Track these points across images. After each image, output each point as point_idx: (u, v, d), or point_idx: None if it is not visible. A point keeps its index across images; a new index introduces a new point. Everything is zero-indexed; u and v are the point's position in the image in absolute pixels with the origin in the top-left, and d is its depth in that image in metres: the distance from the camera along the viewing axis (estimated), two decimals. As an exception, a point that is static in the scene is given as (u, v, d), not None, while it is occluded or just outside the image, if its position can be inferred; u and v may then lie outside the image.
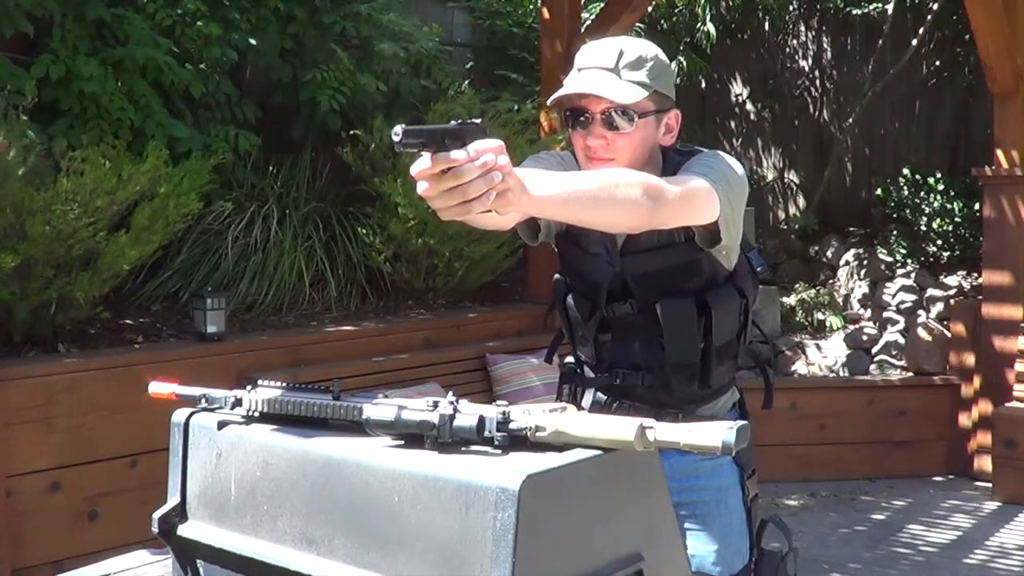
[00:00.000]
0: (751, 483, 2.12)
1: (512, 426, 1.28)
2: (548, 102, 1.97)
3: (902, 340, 6.04)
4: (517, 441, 1.28)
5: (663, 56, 1.98)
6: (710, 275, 2.01)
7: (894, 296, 6.33)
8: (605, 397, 2.12)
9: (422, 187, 1.36)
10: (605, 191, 1.63)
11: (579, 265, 2.09)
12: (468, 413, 1.30)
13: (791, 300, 6.47)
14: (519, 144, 5.23)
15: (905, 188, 6.72)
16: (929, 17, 6.91)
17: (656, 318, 2.01)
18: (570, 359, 2.22)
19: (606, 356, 2.10)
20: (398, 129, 1.28)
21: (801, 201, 7.62)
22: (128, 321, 4.47)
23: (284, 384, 1.45)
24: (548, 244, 2.12)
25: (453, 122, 1.36)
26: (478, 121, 1.39)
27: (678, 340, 2.02)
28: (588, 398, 2.14)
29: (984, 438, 5.44)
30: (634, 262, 2.01)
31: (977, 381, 5.57)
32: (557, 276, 2.19)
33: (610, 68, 1.91)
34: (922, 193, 6.62)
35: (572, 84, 1.94)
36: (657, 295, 2.01)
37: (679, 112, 2.02)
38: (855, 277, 6.66)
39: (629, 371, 2.07)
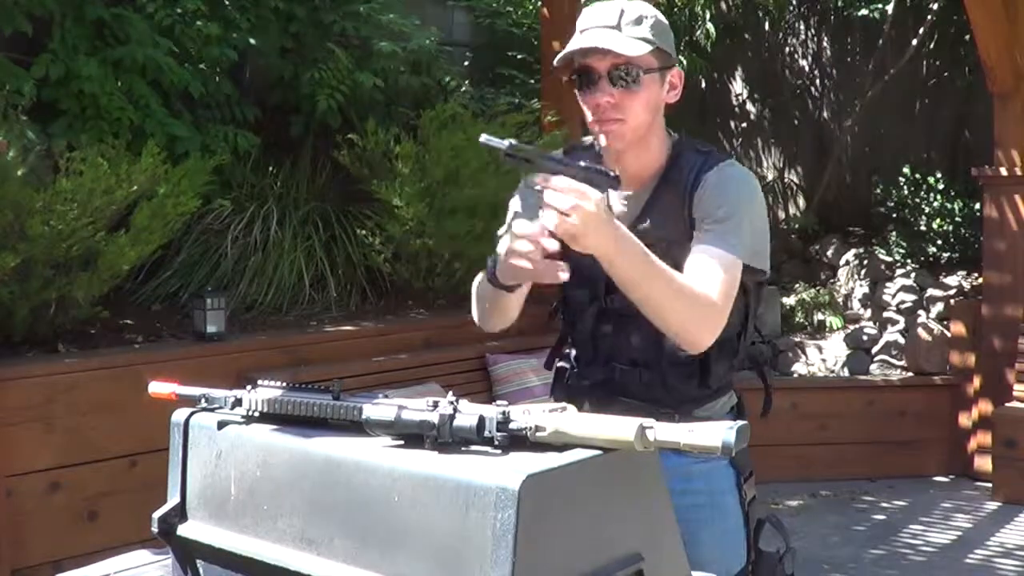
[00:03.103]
0: (748, 486, 2.10)
1: (512, 426, 1.28)
2: (555, 62, 1.96)
3: (902, 340, 6.04)
4: (517, 441, 1.28)
5: (662, 17, 1.99)
6: None
7: (894, 296, 6.33)
8: (600, 393, 2.07)
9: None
10: (675, 287, 1.77)
11: (575, 257, 2.08)
12: (468, 413, 1.30)
13: (791, 300, 6.48)
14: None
15: (905, 188, 6.72)
16: (929, 17, 6.92)
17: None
18: (565, 360, 2.21)
19: (604, 350, 2.07)
20: (506, 143, 1.46)
21: (801, 201, 7.62)
22: (128, 321, 4.47)
23: (284, 384, 1.45)
24: None
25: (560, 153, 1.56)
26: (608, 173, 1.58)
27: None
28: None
29: (984, 438, 5.44)
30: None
31: (977, 381, 5.57)
32: None
33: (612, 25, 1.92)
34: (922, 193, 6.63)
35: (575, 43, 1.94)
36: None
37: (681, 71, 2.02)
38: (855, 277, 6.66)
39: (627, 367, 2.05)
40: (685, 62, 7.38)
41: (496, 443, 1.28)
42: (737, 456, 2.01)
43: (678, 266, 1.91)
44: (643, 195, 2.00)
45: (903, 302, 6.26)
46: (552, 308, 2.28)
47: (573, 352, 2.18)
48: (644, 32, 1.93)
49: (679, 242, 1.94)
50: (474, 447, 1.29)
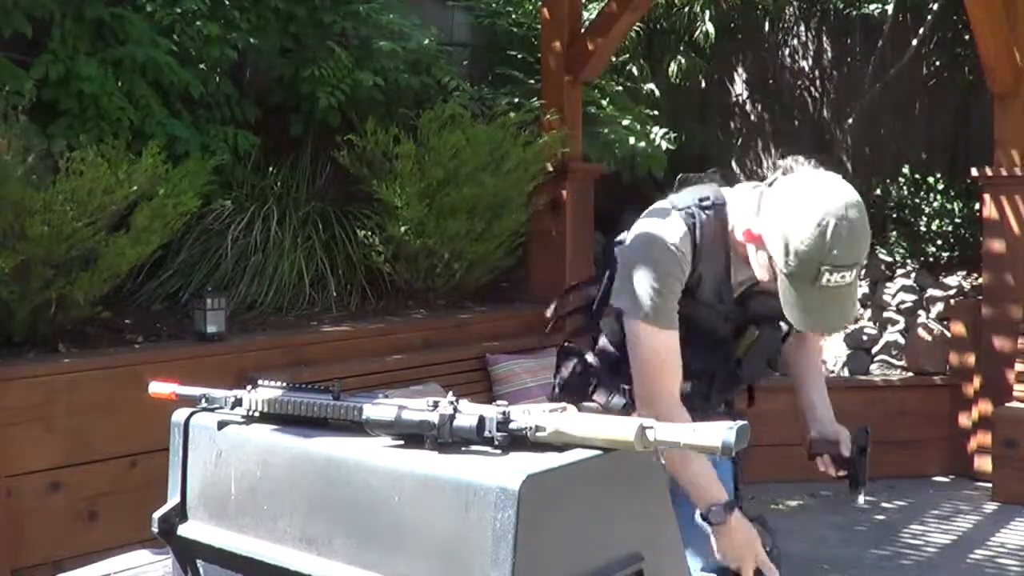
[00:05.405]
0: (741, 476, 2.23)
1: (512, 426, 1.28)
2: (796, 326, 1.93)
3: (902, 340, 6.03)
4: (517, 441, 1.28)
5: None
6: None
7: (894, 296, 6.33)
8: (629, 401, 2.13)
9: None
10: None
11: (692, 314, 2.04)
12: (468, 413, 1.30)
13: (791, 300, 6.47)
14: (514, 146, 5.23)
15: (905, 188, 6.72)
16: (929, 17, 6.92)
17: (737, 337, 2.12)
18: (576, 364, 2.23)
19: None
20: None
21: (801, 201, 7.61)
22: (128, 321, 4.46)
23: (284, 384, 1.45)
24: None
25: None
26: None
27: (760, 361, 2.17)
28: (608, 397, 2.15)
29: (984, 438, 5.44)
30: (755, 304, 2.08)
31: (977, 381, 5.57)
32: None
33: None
34: (922, 193, 6.62)
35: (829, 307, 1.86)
36: (755, 321, 2.10)
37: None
38: (855, 277, 6.65)
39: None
40: (685, 62, 7.38)
41: (496, 443, 1.28)
42: None
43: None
44: None
45: (903, 302, 6.26)
46: (557, 305, 2.31)
47: (586, 360, 2.24)
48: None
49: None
50: (474, 447, 1.29)
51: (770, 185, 1.89)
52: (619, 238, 2.16)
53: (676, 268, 1.95)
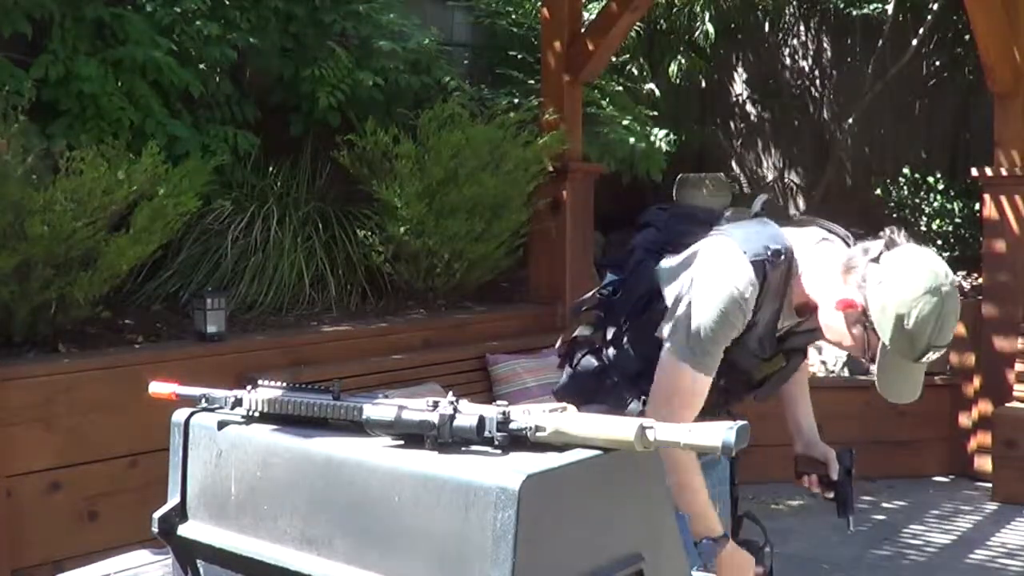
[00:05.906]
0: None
1: (512, 426, 1.28)
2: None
3: (902, 340, 6.04)
4: (517, 441, 1.28)
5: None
6: None
7: (894, 296, 6.32)
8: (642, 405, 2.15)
9: None
10: None
11: (733, 358, 2.05)
12: (468, 413, 1.30)
13: (791, 300, 6.47)
14: (513, 146, 5.23)
15: (905, 188, 6.72)
16: (929, 17, 6.92)
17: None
18: (592, 360, 2.22)
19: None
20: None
21: (801, 202, 7.62)
22: (128, 321, 4.47)
23: (284, 384, 1.45)
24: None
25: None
26: None
27: (779, 384, 2.21)
28: (625, 400, 2.15)
29: (984, 438, 5.44)
30: (795, 339, 2.12)
31: (977, 381, 5.57)
32: None
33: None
34: (922, 193, 6.63)
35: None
36: (783, 352, 2.14)
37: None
38: (855, 277, 6.65)
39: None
40: (685, 62, 7.38)
41: (496, 443, 1.28)
42: None
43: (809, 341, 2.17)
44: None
45: (903, 302, 6.26)
46: (576, 307, 2.34)
47: (598, 361, 2.26)
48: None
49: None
50: (474, 447, 1.29)
51: (875, 259, 1.88)
52: (642, 236, 2.19)
53: (739, 320, 1.96)
